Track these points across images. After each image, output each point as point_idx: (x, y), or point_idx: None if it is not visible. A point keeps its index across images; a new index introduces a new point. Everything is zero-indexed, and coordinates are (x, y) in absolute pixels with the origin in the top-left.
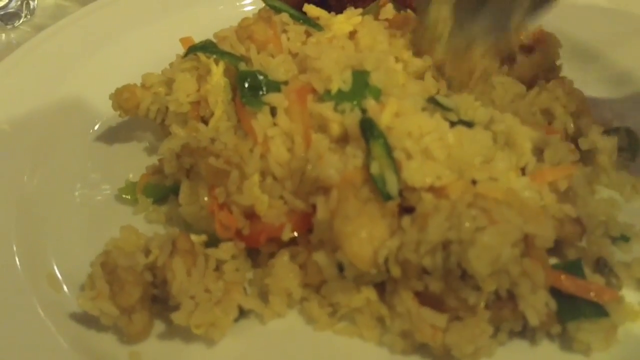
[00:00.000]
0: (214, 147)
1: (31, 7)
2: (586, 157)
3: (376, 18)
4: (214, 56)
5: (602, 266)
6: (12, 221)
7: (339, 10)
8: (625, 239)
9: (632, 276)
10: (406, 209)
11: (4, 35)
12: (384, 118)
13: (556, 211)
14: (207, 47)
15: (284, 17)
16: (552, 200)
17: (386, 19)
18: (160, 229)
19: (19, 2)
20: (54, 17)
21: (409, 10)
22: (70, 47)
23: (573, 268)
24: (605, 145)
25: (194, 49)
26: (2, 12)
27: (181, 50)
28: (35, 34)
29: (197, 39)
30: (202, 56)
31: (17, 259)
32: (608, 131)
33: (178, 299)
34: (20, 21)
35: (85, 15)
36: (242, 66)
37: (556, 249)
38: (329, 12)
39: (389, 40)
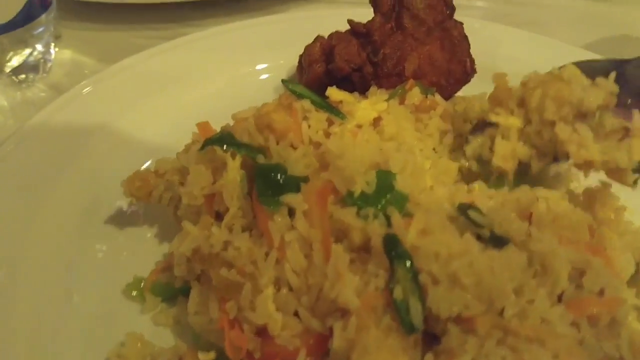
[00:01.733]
0: (226, 254)
1: (48, 65)
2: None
3: (402, 102)
4: (231, 149)
5: None
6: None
7: (363, 89)
8: None
9: None
10: (427, 334)
11: (19, 93)
12: (410, 236)
13: (595, 350)
14: (223, 139)
15: (306, 103)
16: (592, 337)
17: (412, 104)
18: (168, 335)
19: (35, 59)
20: (70, 75)
21: (436, 95)
22: (81, 119)
23: None
24: None
25: (210, 142)
26: (16, 69)
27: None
28: (49, 92)
29: (215, 110)
30: (218, 150)
31: None
32: None
33: None
34: (37, 78)
35: (97, 82)
36: (261, 159)
37: None
38: (352, 91)
39: (415, 126)
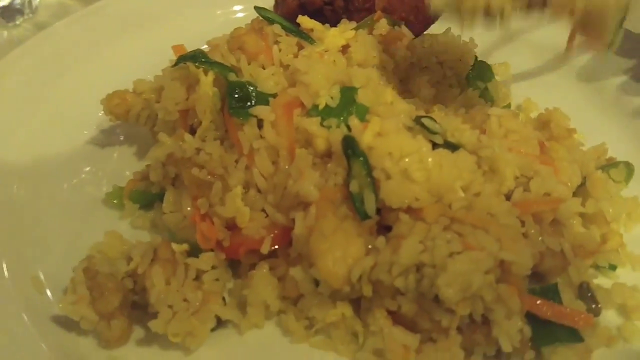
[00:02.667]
0: (198, 158)
1: (33, 5)
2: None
3: (370, 32)
4: (204, 66)
5: (584, 292)
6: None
7: (334, 22)
8: (612, 267)
9: (612, 301)
10: (385, 228)
11: (5, 32)
12: (365, 137)
13: (538, 243)
14: (197, 56)
15: (277, 28)
16: (535, 232)
17: (380, 34)
18: (145, 235)
19: (21, 0)
20: (56, 16)
21: (403, 26)
22: (66, 50)
23: (549, 293)
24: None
25: (183, 59)
26: (4, 9)
27: (175, 57)
28: (36, 33)
29: (192, 45)
30: (191, 66)
31: (3, 263)
32: (607, 165)
33: (156, 308)
34: (22, 19)
35: (83, 18)
36: (232, 77)
37: (539, 279)
38: (324, 23)
39: (381, 56)
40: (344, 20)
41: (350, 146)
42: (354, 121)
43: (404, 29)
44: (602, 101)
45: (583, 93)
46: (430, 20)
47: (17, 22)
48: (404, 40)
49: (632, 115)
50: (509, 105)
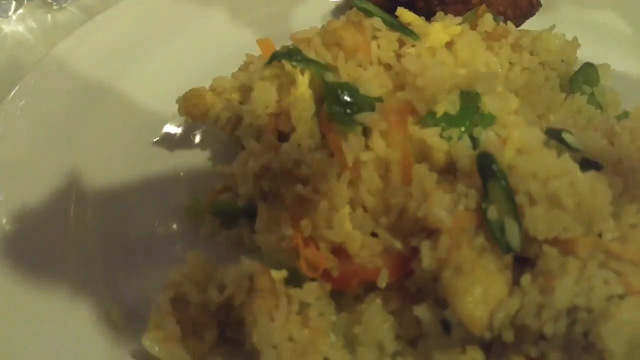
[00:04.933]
0: (300, 172)
1: None
2: None
3: (473, 28)
4: (300, 65)
5: None
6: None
7: (428, 16)
8: None
9: None
10: (518, 259)
11: (49, 16)
12: (506, 155)
13: None
14: (293, 54)
15: (376, 22)
16: None
17: (485, 31)
18: (226, 258)
19: None
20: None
21: (509, 23)
22: (126, 37)
23: None
24: None
25: (279, 56)
26: None
27: (251, 50)
28: (82, 17)
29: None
30: (287, 64)
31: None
32: None
33: (258, 348)
34: (68, 1)
35: (132, 6)
36: (330, 77)
37: None
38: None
39: (485, 54)
40: (440, 13)
41: (487, 165)
42: (490, 135)
43: (511, 26)
44: None
45: None
46: (526, 14)
47: (63, 5)
48: (510, 38)
49: None
50: (625, 114)
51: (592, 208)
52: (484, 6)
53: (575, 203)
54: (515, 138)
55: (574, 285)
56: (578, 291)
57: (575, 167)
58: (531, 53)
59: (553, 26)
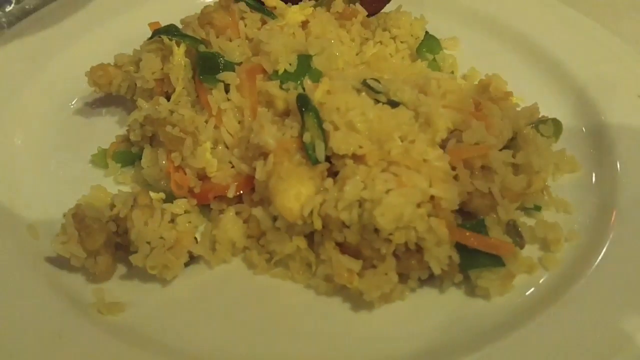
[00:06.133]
0: (172, 118)
1: None
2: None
3: (327, 10)
4: (176, 38)
5: (510, 228)
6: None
7: (296, 1)
8: (537, 208)
9: (535, 236)
10: (334, 174)
11: None
12: (317, 95)
13: (467, 184)
14: (170, 30)
15: (242, 5)
16: (465, 174)
17: (337, 12)
18: (126, 190)
19: None
20: (43, 3)
21: (357, 4)
22: (54, 32)
23: (477, 227)
24: (529, 132)
25: (158, 32)
26: None
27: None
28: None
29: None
30: (165, 38)
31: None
32: (537, 122)
33: (136, 245)
34: (11, 6)
35: (68, 4)
36: (202, 48)
37: (471, 218)
38: (286, 2)
39: (338, 32)
40: (305, 0)
41: (303, 103)
42: (307, 81)
43: (359, 7)
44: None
45: (524, 63)
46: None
47: (7, 10)
48: (359, 17)
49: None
50: (453, 73)
51: (380, 132)
52: None
53: (366, 128)
54: (325, 83)
55: (360, 183)
56: (363, 187)
57: (370, 102)
58: (383, 29)
59: (400, 6)
